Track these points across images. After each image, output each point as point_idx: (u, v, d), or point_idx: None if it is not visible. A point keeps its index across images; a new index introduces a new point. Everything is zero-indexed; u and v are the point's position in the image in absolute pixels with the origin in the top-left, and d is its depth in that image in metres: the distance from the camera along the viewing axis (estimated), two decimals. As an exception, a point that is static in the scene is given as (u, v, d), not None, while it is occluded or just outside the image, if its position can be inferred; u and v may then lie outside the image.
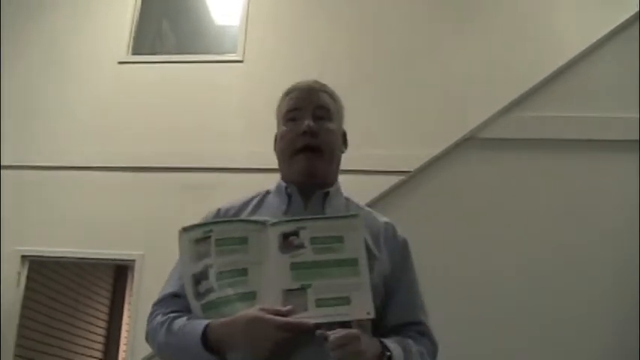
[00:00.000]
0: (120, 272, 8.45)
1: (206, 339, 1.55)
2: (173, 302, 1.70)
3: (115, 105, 5.61)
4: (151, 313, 1.73)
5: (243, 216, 1.76)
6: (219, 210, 1.81)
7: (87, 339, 7.68)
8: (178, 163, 5.26)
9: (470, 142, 4.41)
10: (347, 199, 1.87)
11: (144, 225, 5.09)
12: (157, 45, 6.04)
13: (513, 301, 4.11)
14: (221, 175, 5.02)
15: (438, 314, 3.87)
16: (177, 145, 5.30)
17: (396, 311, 1.72)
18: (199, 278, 1.61)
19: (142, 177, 5.37)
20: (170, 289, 1.73)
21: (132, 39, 5.85)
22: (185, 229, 1.66)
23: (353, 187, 4.57)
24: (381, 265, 1.69)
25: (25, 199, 5.40)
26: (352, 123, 5.49)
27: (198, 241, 1.63)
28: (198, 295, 1.61)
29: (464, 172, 4.40)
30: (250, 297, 1.58)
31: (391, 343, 1.61)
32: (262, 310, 1.52)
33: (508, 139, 4.45)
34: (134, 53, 5.82)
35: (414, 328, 1.73)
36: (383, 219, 1.83)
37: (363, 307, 1.56)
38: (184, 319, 1.63)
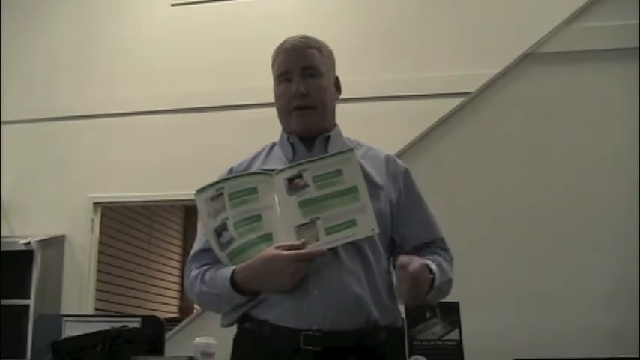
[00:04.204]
0: (189, 212, 8.63)
1: (235, 283, 1.71)
2: (203, 257, 1.85)
3: (171, 48, 5.60)
4: (186, 270, 1.88)
5: (254, 169, 1.89)
6: (231, 168, 1.94)
7: (163, 280, 7.90)
8: (241, 100, 5.23)
9: (531, 57, 4.25)
10: (348, 138, 1.99)
11: (208, 164, 5.05)
12: (208, -16, 5.96)
13: (589, 221, 3.96)
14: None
15: (500, 233, 3.84)
16: (239, 82, 5.24)
17: (416, 232, 1.89)
18: (220, 231, 1.76)
19: (203, 117, 5.39)
20: (198, 246, 1.88)
21: (182, -20, 5.80)
22: (199, 191, 1.80)
23: (413, 112, 4.55)
24: (386, 193, 1.85)
25: (93, 148, 5.50)
26: (408, 45, 5.34)
27: (212, 199, 1.78)
28: (222, 246, 1.77)
29: (527, 89, 4.24)
30: (267, 238, 1.74)
31: (428, 260, 1.75)
32: (277, 247, 1.68)
33: (570, 51, 4.27)
34: (186, -6, 5.77)
35: (437, 245, 1.90)
36: (384, 153, 1.97)
37: (367, 226, 1.72)
38: (214, 269, 1.79)
